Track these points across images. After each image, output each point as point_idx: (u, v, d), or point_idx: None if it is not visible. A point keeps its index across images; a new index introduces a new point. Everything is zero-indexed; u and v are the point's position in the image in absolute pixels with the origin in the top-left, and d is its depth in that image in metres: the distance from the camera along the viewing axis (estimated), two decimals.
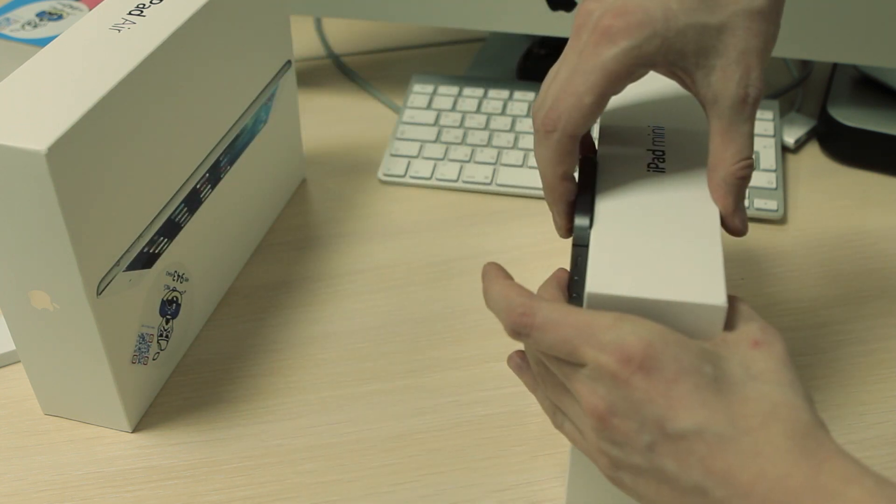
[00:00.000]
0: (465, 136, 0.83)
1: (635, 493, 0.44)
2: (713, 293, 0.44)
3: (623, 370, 0.41)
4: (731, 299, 0.47)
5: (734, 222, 0.49)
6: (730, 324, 0.46)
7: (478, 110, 0.85)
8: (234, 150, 0.67)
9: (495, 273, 0.48)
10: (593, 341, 0.42)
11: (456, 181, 0.79)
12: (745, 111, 0.48)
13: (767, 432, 0.40)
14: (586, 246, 0.48)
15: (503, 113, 0.85)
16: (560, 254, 0.73)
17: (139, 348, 0.60)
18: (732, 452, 0.40)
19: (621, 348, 0.41)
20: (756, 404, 0.41)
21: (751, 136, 0.48)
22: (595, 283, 0.45)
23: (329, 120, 0.88)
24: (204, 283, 0.67)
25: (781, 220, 0.76)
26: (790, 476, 0.39)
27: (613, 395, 0.42)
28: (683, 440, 0.41)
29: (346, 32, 1.00)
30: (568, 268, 0.50)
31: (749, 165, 0.48)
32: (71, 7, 0.92)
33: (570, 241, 0.74)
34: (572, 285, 0.48)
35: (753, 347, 0.44)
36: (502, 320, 0.45)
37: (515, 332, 0.45)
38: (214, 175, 0.65)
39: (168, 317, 0.63)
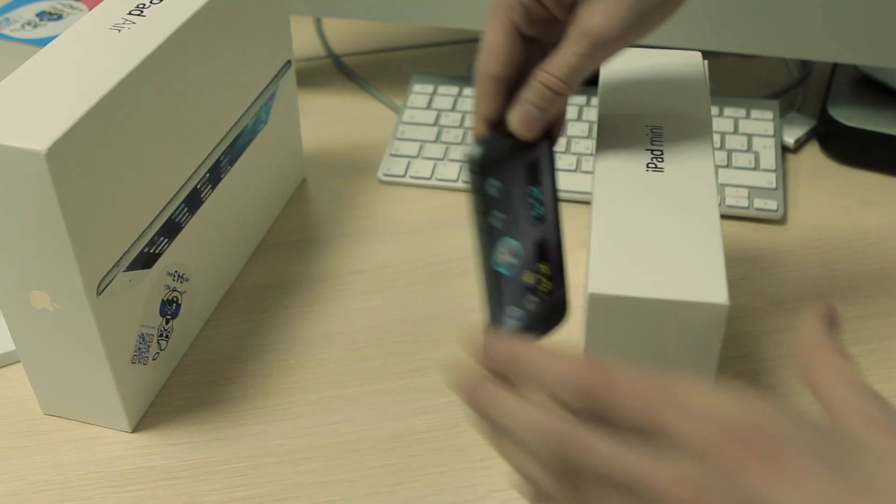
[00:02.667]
0: (465, 136, 0.83)
1: None
2: (714, 292, 0.44)
3: (730, 448, 0.32)
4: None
5: (511, 114, 0.49)
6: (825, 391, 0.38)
7: None
8: (234, 150, 0.67)
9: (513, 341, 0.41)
10: (677, 404, 0.34)
11: (456, 181, 0.79)
12: (584, 42, 0.48)
13: None
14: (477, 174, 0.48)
15: None
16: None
17: (139, 348, 0.60)
18: None
19: (722, 419, 0.33)
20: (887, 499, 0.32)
21: (575, 66, 0.48)
22: (596, 283, 0.45)
23: (329, 120, 0.88)
24: (204, 283, 0.67)
25: (781, 220, 0.76)
26: None
27: (710, 480, 0.32)
28: None
29: (346, 32, 1.00)
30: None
31: (556, 85, 0.48)
32: (71, 7, 0.92)
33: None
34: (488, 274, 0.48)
35: (868, 426, 0.35)
36: (566, 397, 0.37)
37: (588, 411, 0.36)
38: (215, 175, 0.65)
39: (168, 317, 0.63)
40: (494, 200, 0.48)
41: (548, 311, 0.50)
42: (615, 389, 0.35)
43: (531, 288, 0.49)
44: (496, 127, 0.50)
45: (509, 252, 0.49)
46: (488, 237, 0.48)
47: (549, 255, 0.50)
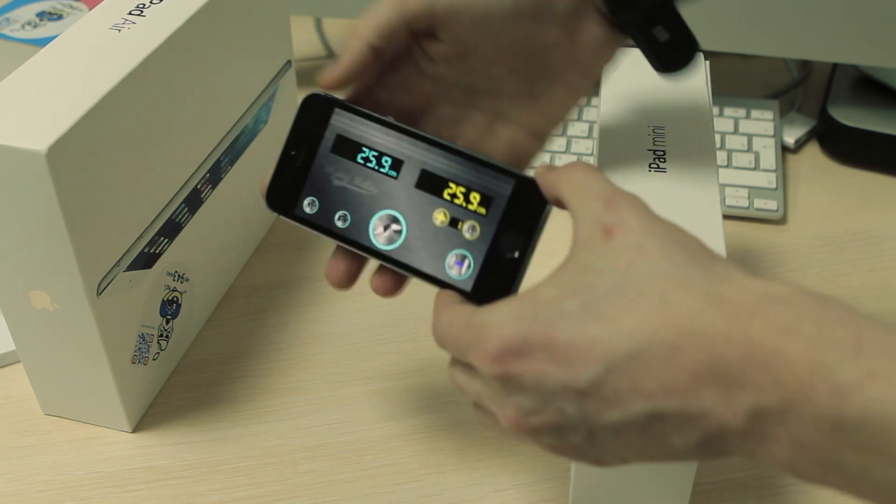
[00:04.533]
0: None
1: (618, 457, 0.40)
2: None
3: (499, 367, 0.39)
4: (543, 176, 0.43)
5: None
6: (574, 209, 0.42)
7: None
8: (234, 150, 0.67)
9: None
10: (465, 351, 0.40)
11: None
12: None
13: (672, 326, 0.36)
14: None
15: None
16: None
17: (139, 348, 0.60)
18: (652, 366, 0.36)
19: (486, 349, 0.39)
20: (644, 305, 0.37)
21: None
22: None
23: None
24: (204, 283, 0.67)
25: (781, 220, 0.76)
26: (719, 347, 0.35)
27: (513, 396, 0.39)
28: (602, 386, 0.37)
29: (346, 32, 1.00)
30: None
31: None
32: (71, 7, 0.92)
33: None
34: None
35: (607, 239, 0.39)
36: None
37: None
38: (215, 175, 0.65)
39: (168, 317, 0.63)
40: (323, 213, 0.48)
41: (515, 203, 0.46)
42: (442, 341, 0.43)
43: (455, 219, 0.46)
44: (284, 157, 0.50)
45: (383, 226, 0.47)
46: (352, 241, 0.48)
47: (450, 173, 0.46)
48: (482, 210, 0.46)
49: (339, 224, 0.48)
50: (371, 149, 0.48)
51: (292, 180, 0.49)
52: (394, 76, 0.50)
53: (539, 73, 0.48)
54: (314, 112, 0.49)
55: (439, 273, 0.47)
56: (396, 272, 0.49)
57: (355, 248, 0.48)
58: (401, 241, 0.47)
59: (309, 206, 0.49)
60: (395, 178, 0.47)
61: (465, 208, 0.46)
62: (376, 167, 0.48)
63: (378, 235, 0.47)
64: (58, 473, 0.59)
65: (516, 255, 0.45)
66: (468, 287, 0.46)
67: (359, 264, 0.50)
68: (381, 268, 0.49)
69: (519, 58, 0.48)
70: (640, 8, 0.46)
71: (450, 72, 0.49)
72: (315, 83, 0.51)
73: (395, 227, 0.47)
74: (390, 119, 0.48)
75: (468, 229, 0.46)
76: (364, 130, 0.48)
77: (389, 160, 0.48)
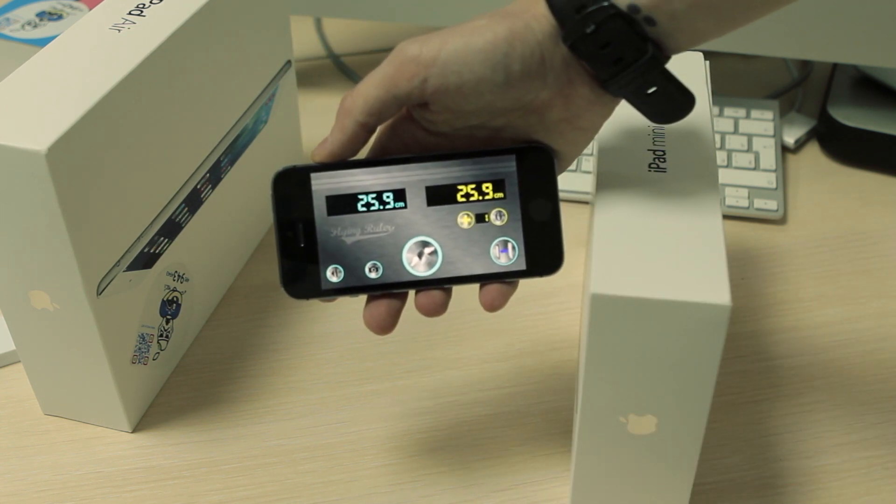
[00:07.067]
0: None
1: None
2: (717, 292, 0.44)
3: None
4: None
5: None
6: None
7: None
8: (234, 150, 0.67)
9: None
10: None
11: None
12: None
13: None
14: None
15: None
16: None
17: (139, 348, 0.60)
18: None
19: None
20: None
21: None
22: (599, 284, 0.45)
23: (329, 120, 0.87)
24: (204, 283, 0.67)
25: (781, 220, 0.76)
26: None
27: None
28: None
29: (346, 32, 1.00)
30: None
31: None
32: (71, 7, 0.92)
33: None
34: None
35: None
36: None
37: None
38: (215, 175, 0.65)
39: (168, 317, 0.63)
40: (352, 274, 0.48)
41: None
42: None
43: (480, 214, 0.47)
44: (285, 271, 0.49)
45: (417, 255, 0.48)
46: (393, 284, 0.47)
47: (453, 178, 0.47)
48: (500, 195, 0.47)
49: (373, 275, 0.48)
50: (367, 193, 0.48)
51: (304, 261, 0.48)
52: (394, 135, 0.50)
53: (537, 126, 0.48)
54: (290, 187, 0.48)
55: (491, 268, 0.48)
56: (440, 289, 0.48)
57: (398, 289, 0.48)
58: (440, 260, 0.48)
59: (334, 275, 0.48)
60: (405, 206, 0.48)
61: (484, 201, 0.47)
62: (381, 206, 0.48)
63: (416, 266, 0.47)
64: (58, 473, 0.59)
65: (549, 216, 0.47)
66: (523, 266, 0.47)
67: (400, 301, 0.49)
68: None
69: (515, 114, 0.48)
70: (629, 84, 0.46)
71: (450, 128, 0.49)
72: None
73: (428, 250, 0.47)
74: (367, 158, 0.48)
75: (496, 217, 0.47)
76: (350, 180, 0.48)
77: (391, 194, 0.48)
